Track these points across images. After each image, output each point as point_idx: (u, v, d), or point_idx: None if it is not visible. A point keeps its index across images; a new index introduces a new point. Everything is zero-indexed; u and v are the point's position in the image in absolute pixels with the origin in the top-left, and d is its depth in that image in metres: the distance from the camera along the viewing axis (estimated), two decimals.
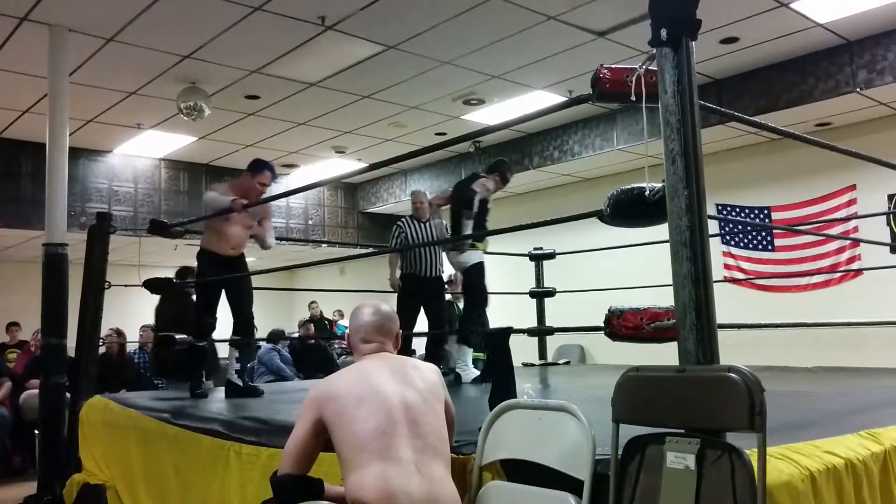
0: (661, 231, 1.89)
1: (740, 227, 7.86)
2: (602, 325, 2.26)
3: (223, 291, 4.66)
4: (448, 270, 5.79)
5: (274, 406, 3.98)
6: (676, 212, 1.82)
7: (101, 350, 5.55)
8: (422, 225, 5.47)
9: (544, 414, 2.16)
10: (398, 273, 5.40)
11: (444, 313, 5.71)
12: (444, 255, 5.52)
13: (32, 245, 8.36)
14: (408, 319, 5.36)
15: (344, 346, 4.37)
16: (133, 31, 5.53)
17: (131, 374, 7.44)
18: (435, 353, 5.40)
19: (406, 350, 5.45)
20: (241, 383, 4.56)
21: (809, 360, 5.80)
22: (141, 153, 8.97)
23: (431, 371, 2.31)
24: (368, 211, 11.15)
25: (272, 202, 4.93)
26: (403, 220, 5.53)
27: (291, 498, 2.08)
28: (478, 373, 5.25)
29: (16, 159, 8.14)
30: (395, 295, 5.42)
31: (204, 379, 4.78)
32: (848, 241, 6.90)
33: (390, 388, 2.12)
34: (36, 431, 5.13)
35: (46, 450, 4.73)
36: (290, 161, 9.59)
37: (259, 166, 4.72)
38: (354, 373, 2.22)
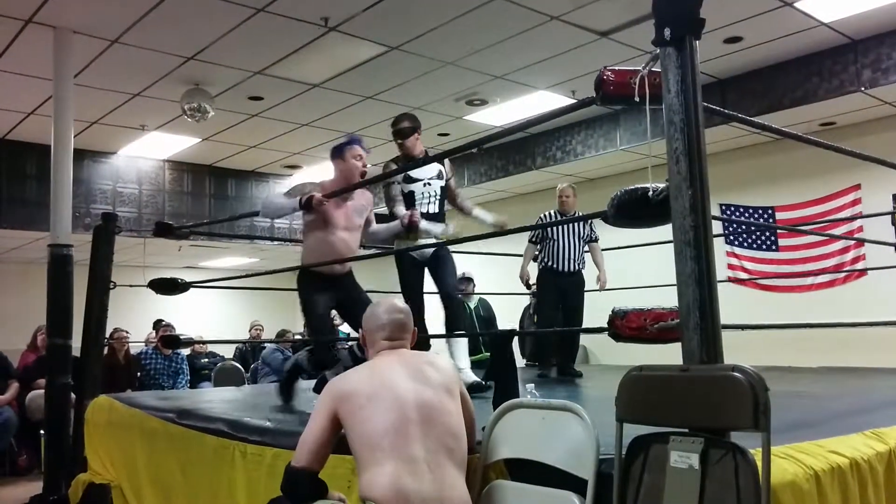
0: (665, 231, 1.89)
1: (744, 227, 7.84)
2: (605, 325, 2.26)
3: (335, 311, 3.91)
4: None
5: (279, 406, 3.99)
6: (680, 212, 1.82)
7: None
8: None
9: (548, 413, 2.17)
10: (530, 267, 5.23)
11: (581, 310, 5.38)
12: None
13: (37, 246, 8.39)
14: (549, 316, 5.17)
15: (345, 346, 4.17)
16: (137, 32, 5.55)
17: (136, 375, 7.46)
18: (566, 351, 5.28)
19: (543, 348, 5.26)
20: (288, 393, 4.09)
21: (814, 360, 5.79)
22: (145, 154, 8.98)
23: (448, 367, 2.33)
24: None
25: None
26: (547, 213, 5.41)
27: (301, 492, 2.10)
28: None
29: (21, 161, 8.16)
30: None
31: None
32: (852, 241, 6.88)
33: (404, 386, 2.13)
34: (42, 431, 5.15)
35: (52, 449, 4.75)
36: (294, 162, 9.60)
37: (344, 143, 3.80)
38: (367, 371, 2.24)
